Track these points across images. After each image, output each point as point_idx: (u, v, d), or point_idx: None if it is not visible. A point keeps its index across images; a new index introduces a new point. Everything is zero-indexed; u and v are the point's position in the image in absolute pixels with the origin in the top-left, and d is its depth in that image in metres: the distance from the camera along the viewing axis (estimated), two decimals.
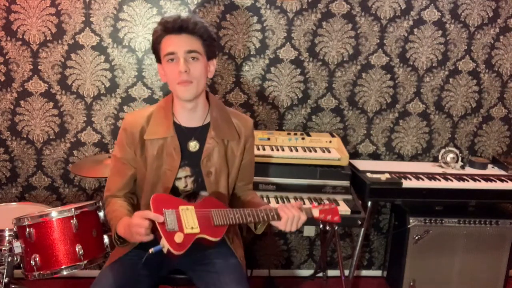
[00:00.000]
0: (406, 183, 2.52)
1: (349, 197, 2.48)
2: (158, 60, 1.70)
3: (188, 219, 1.60)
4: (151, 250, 1.54)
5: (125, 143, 1.76)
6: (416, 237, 2.69)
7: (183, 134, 1.75)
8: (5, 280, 1.89)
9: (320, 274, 3.06)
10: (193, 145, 1.75)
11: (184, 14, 1.66)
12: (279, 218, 1.68)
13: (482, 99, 2.95)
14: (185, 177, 1.77)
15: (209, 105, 1.79)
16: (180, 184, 1.77)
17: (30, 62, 2.63)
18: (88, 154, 2.77)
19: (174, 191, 1.77)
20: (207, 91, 1.81)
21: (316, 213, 1.74)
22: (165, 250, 1.53)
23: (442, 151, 2.84)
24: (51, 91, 2.68)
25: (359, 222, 2.33)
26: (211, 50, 1.69)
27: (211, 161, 1.76)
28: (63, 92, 2.69)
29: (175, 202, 1.64)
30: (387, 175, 2.56)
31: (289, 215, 1.66)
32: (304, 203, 2.36)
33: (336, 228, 2.49)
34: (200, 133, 1.76)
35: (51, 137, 2.74)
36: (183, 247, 1.56)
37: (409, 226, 2.68)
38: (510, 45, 2.88)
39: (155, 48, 1.68)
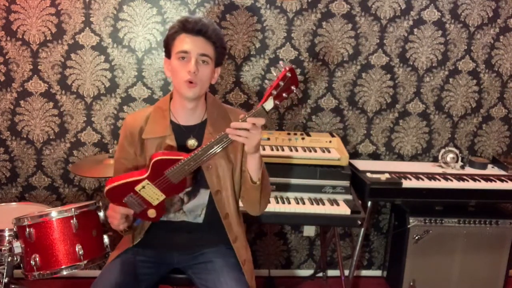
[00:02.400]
0: (406, 183, 2.52)
1: (349, 197, 2.47)
2: (168, 55, 1.73)
3: (150, 194, 1.65)
4: (135, 224, 1.71)
5: (125, 143, 1.79)
6: (416, 237, 2.69)
7: (182, 132, 1.77)
8: (5, 280, 1.89)
9: (320, 274, 3.06)
10: (192, 143, 1.78)
11: (205, 19, 1.69)
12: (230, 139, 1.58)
13: (482, 99, 2.95)
14: None
15: (206, 103, 1.82)
16: None
17: (30, 62, 2.63)
18: (88, 154, 2.77)
19: None
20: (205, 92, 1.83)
21: (269, 104, 1.56)
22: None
23: (442, 151, 2.84)
24: (51, 91, 2.68)
25: (359, 222, 2.33)
26: (220, 58, 1.75)
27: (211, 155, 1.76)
28: (63, 92, 2.69)
29: (128, 186, 1.64)
30: (387, 175, 2.56)
31: (233, 132, 1.55)
32: (304, 203, 2.37)
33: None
34: (198, 130, 1.79)
35: (51, 137, 2.74)
36: (159, 215, 1.71)
37: (409, 226, 2.68)
38: (510, 45, 2.88)
39: (168, 43, 1.71)
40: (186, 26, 1.66)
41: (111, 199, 1.66)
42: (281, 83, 1.56)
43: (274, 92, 1.57)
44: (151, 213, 1.69)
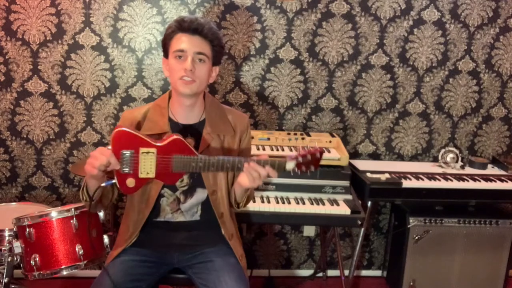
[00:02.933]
0: (406, 183, 2.52)
1: (349, 197, 2.47)
2: (166, 55, 1.74)
3: (146, 164, 1.57)
4: (103, 184, 1.56)
5: None
6: (416, 237, 2.69)
7: (180, 130, 1.78)
8: (5, 280, 1.89)
9: (320, 274, 3.06)
10: (190, 142, 1.78)
11: (202, 18, 1.71)
12: (242, 169, 1.61)
13: (482, 99, 2.95)
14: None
15: (204, 103, 1.83)
16: None
17: (30, 62, 2.63)
18: (88, 154, 2.77)
19: (171, 186, 1.79)
20: (204, 92, 1.84)
21: (290, 165, 1.59)
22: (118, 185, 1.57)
23: (442, 151, 2.84)
24: (51, 91, 2.68)
25: (359, 222, 2.33)
26: (217, 56, 1.76)
27: (208, 155, 1.77)
28: (63, 92, 2.69)
29: (138, 141, 1.56)
30: (387, 175, 2.56)
31: (248, 169, 1.60)
32: (304, 203, 2.37)
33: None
34: (196, 129, 1.80)
35: (51, 137, 2.74)
36: (133, 189, 1.59)
37: (409, 226, 2.68)
38: (510, 45, 2.88)
39: (165, 43, 1.72)
40: (182, 25, 1.67)
41: (113, 143, 1.55)
42: (309, 157, 1.59)
43: (300, 160, 1.59)
44: (130, 182, 1.57)
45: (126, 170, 1.56)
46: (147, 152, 1.56)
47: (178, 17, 1.72)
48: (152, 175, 1.57)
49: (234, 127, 1.84)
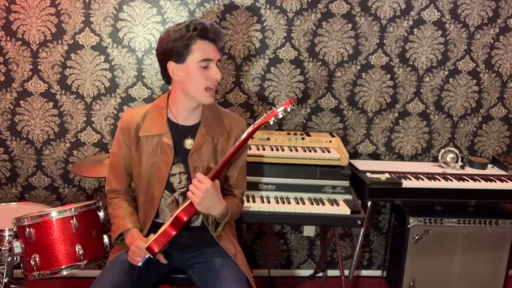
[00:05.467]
0: (406, 183, 2.52)
1: (349, 197, 2.47)
2: (178, 60, 1.69)
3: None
4: (140, 264, 1.70)
5: (121, 139, 1.83)
6: (416, 237, 2.69)
7: (179, 132, 1.79)
8: (5, 280, 1.89)
9: (320, 274, 3.06)
10: (189, 143, 1.80)
11: (213, 23, 1.73)
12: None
13: (482, 99, 2.95)
14: (179, 173, 1.80)
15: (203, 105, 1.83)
16: (175, 180, 1.80)
17: (30, 62, 2.63)
18: (88, 154, 2.77)
19: (169, 187, 1.80)
20: None
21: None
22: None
23: (442, 151, 2.84)
24: (51, 91, 2.68)
25: (359, 222, 2.33)
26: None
27: (200, 157, 1.79)
28: (63, 92, 2.69)
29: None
30: (387, 175, 2.56)
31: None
32: (304, 203, 2.37)
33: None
34: (194, 131, 1.81)
35: (51, 137, 2.74)
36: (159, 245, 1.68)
37: (409, 226, 2.68)
38: (510, 45, 2.88)
39: (179, 48, 1.67)
40: (205, 33, 1.66)
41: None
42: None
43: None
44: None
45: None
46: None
47: (193, 21, 1.67)
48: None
49: (229, 131, 1.84)
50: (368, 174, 2.55)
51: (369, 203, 2.58)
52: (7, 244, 1.90)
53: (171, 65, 1.72)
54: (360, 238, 2.64)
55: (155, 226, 1.80)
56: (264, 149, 2.53)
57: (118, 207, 1.85)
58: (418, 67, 2.85)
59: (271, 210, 2.30)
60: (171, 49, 1.68)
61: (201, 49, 1.67)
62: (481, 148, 3.03)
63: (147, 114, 1.81)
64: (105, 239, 1.99)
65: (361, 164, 2.73)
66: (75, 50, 2.63)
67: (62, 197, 2.83)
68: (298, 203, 2.37)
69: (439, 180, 2.59)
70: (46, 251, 1.87)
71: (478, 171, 2.79)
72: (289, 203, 2.37)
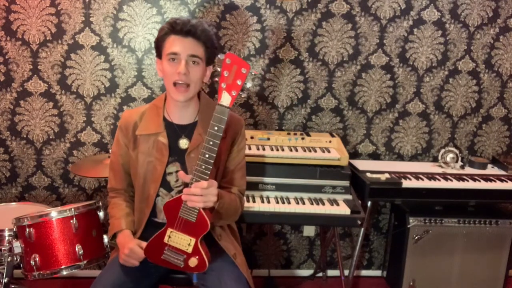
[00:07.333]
0: (406, 183, 2.52)
1: (349, 197, 2.47)
2: (159, 56, 1.75)
3: (179, 241, 1.63)
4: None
5: (120, 136, 1.85)
6: (416, 237, 2.69)
7: (175, 131, 1.80)
8: (5, 280, 1.89)
9: (320, 274, 3.06)
10: (184, 142, 1.80)
11: (194, 20, 1.71)
12: None
13: (482, 99, 2.95)
14: (176, 172, 1.80)
15: (199, 104, 1.84)
16: (172, 179, 1.81)
17: (30, 62, 2.63)
18: (87, 154, 2.77)
19: (166, 186, 1.80)
20: (199, 91, 1.84)
21: (226, 99, 1.57)
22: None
23: (442, 151, 2.84)
24: (51, 91, 2.68)
25: (359, 222, 2.33)
26: (211, 57, 1.76)
27: (197, 156, 1.77)
28: (63, 92, 2.69)
29: (158, 240, 1.66)
30: (387, 175, 2.56)
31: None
32: (304, 203, 2.37)
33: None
34: (190, 130, 1.81)
35: (51, 137, 2.74)
36: (202, 261, 1.63)
37: (409, 226, 2.68)
38: (510, 45, 2.88)
39: (159, 44, 1.73)
40: (175, 28, 1.68)
41: (151, 257, 1.68)
42: (226, 73, 1.54)
43: (224, 86, 1.55)
44: (192, 262, 1.63)
45: (180, 262, 1.66)
46: (169, 236, 1.64)
47: (171, 18, 1.72)
48: (193, 241, 1.63)
49: (226, 130, 1.82)
50: (368, 174, 2.55)
51: (369, 203, 2.58)
52: (7, 244, 1.90)
53: (157, 62, 1.78)
54: (360, 238, 2.64)
55: (152, 225, 1.81)
56: (264, 149, 2.53)
57: (115, 207, 1.87)
58: (418, 67, 2.85)
59: (271, 210, 2.30)
60: (156, 47, 1.75)
61: (170, 43, 1.68)
62: (481, 148, 3.03)
63: (145, 113, 1.83)
64: (105, 239, 1.99)
65: (361, 164, 2.73)
66: (75, 50, 2.63)
67: (62, 197, 2.83)
68: (298, 203, 2.37)
69: (439, 180, 2.60)
70: (46, 251, 1.87)
71: (478, 171, 2.79)
72: (289, 203, 2.37)
